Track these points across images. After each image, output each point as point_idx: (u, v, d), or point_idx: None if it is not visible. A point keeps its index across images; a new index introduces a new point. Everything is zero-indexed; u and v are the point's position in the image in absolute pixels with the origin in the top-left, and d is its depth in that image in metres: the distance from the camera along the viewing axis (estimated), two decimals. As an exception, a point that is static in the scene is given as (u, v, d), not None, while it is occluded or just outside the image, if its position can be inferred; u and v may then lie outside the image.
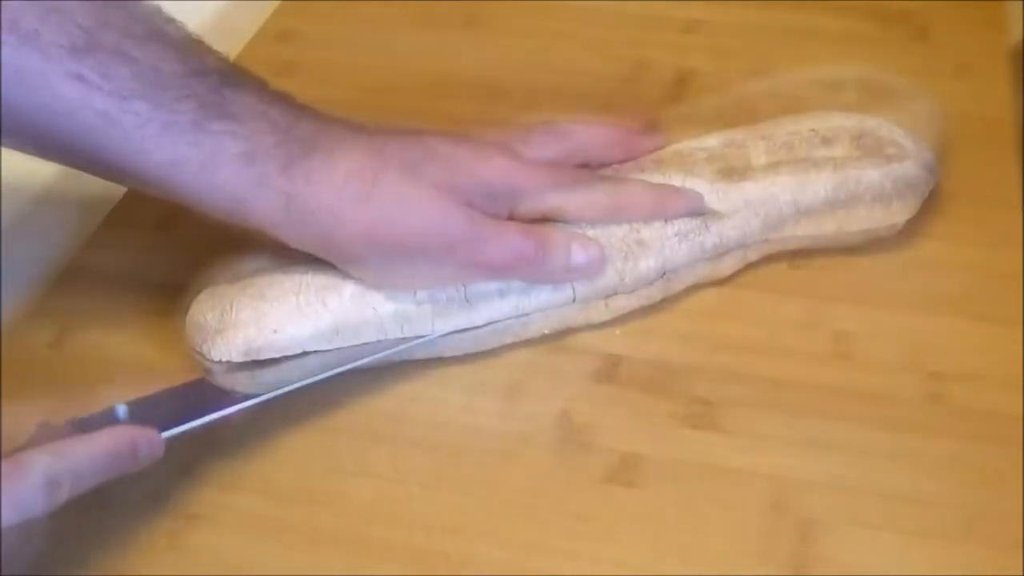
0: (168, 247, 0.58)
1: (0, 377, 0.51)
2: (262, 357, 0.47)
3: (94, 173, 0.48)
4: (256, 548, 0.44)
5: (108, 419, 0.44)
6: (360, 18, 0.74)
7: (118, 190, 0.62)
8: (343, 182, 0.46)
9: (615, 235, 0.50)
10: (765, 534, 0.44)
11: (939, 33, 0.68)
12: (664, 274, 0.51)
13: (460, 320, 0.49)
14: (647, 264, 0.50)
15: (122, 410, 0.45)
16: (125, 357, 0.52)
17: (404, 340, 0.49)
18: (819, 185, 0.52)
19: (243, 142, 0.45)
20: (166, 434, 0.44)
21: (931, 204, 0.56)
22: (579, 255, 0.49)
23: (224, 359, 0.47)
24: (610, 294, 0.51)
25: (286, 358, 0.48)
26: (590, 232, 0.50)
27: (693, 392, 0.49)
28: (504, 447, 0.47)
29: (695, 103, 0.64)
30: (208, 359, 0.47)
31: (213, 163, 0.45)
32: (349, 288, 0.48)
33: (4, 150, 0.57)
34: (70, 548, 0.44)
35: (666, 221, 0.51)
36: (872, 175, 0.53)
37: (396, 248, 0.47)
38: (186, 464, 0.46)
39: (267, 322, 0.47)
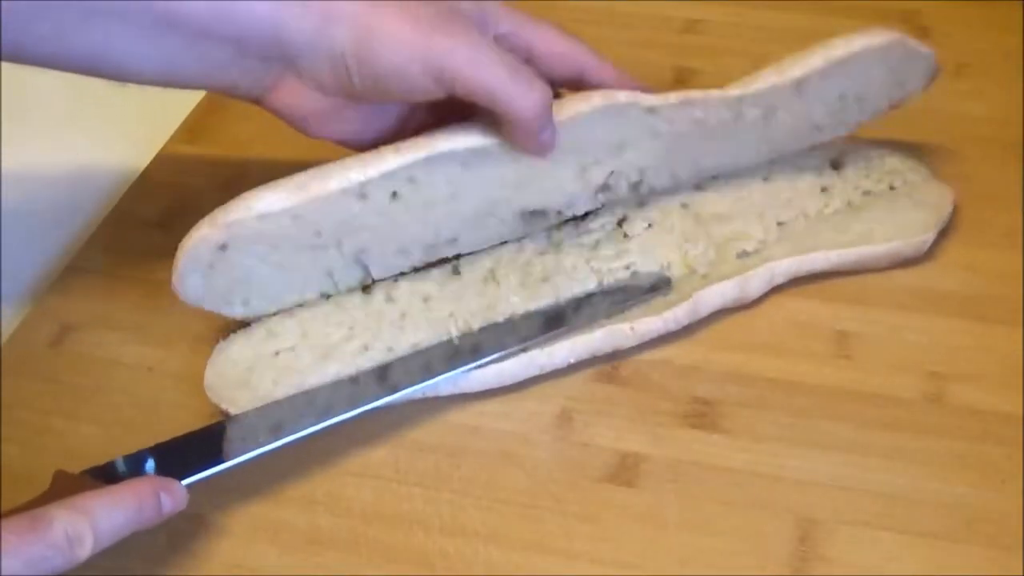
0: (168, 247, 0.58)
1: (0, 377, 0.51)
2: (233, 226, 0.47)
3: (103, 69, 0.46)
4: (256, 548, 0.44)
5: (125, 468, 0.43)
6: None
7: (118, 190, 0.62)
8: None
9: None
10: (765, 534, 0.44)
11: (939, 33, 0.68)
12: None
13: (420, 153, 0.48)
14: None
15: (138, 459, 0.44)
16: (125, 357, 0.52)
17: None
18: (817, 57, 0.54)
19: None
20: (186, 482, 0.43)
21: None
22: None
23: (198, 246, 0.47)
24: None
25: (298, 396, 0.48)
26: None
27: (693, 392, 0.49)
28: (504, 447, 0.47)
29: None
30: (183, 256, 0.47)
31: None
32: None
33: (4, 151, 0.57)
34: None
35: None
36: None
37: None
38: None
39: (240, 199, 0.47)
